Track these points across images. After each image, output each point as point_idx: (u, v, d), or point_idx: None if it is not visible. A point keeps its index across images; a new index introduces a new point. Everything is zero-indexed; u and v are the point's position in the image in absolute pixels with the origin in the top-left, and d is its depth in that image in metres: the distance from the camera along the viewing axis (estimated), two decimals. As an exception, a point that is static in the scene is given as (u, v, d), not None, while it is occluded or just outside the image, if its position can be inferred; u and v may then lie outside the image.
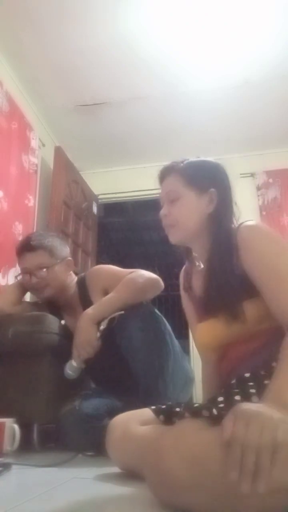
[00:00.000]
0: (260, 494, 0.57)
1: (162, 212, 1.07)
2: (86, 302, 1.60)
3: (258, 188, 3.44)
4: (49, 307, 1.76)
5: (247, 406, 0.64)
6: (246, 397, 0.77)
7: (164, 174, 1.10)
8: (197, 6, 2.26)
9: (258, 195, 3.42)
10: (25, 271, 1.62)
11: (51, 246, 1.62)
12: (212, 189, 1.03)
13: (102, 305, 1.47)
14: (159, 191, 1.12)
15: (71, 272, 1.71)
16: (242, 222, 0.98)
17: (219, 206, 1.02)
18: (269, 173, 3.46)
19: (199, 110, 3.05)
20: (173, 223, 1.05)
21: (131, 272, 1.54)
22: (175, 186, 1.05)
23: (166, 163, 1.12)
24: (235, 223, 1.03)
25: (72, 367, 1.46)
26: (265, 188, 3.43)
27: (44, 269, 1.58)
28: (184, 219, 1.04)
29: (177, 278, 1.21)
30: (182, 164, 1.08)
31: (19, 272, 1.68)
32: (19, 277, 1.68)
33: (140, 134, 3.35)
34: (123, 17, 2.32)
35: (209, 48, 2.53)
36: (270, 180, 3.44)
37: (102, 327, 1.43)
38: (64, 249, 1.70)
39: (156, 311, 1.48)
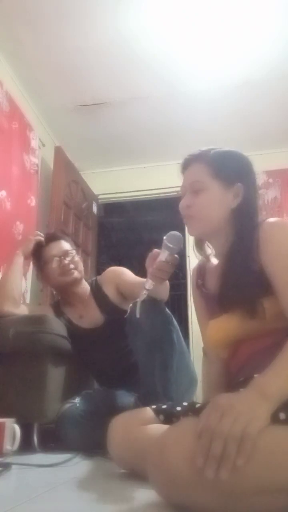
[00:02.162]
0: (260, 493, 0.57)
1: (184, 202, 1.02)
2: (99, 293, 1.73)
3: (258, 188, 3.44)
4: (54, 308, 1.80)
5: (225, 398, 0.68)
6: None
7: (189, 162, 1.05)
8: (197, 6, 2.25)
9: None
10: (53, 258, 1.72)
11: (69, 240, 1.86)
12: (239, 184, 0.99)
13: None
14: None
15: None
16: (265, 219, 0.96)
17: (244, 201, 0.99)
18: (269, 173, 3.45)
19: (199, 110, 3.05)
20: (196, 214, 1.01)
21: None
22: (201, 177, 1.00)
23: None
24: (259, 220, 0.99)
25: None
26: (265, 188, 3.43)
27: (69, 255, 1.73)
28: (208, 212, 1.00)
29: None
30: (210, 154, 1.02)
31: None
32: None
33: (140, 134, 3.35)
34: (123, 17, 2.32)
35: (210, 48, 2.53)
36: (270, 180, 3.44)
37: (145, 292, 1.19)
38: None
39: (167, 310, 1.47)
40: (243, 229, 0.97)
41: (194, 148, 1.11)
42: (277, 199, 3.39)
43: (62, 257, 1.72)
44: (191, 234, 1.06)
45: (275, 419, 0.67)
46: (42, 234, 1.84)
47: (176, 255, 1.10)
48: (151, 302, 1.38)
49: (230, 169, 1.01)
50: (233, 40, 2.47)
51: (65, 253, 1.74)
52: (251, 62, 2.64)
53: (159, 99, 2.95)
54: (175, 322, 1.49)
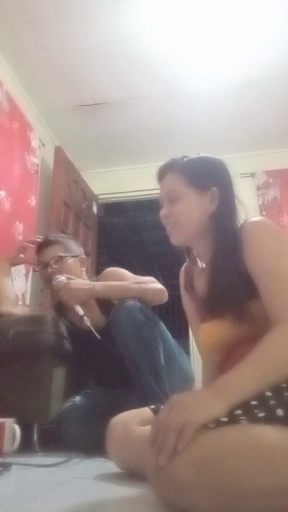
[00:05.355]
0: (260, 496, 0.57)
1: (163, 212, 1.04)
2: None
3: (258, 188, 3.44)
4: (55, 309, 1.80)
5: (179, 395, 0.73)
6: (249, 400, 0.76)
7: (164, 172, 1.06)
8: (197, 6, 2.25)
9: (258, 195, 3.41)
10: (42, 264, 1.73)
11: (66, 243, 1.79)
12: (214, 188, 1.00)
13: (109, 287, 1.59)
14: (158, 190, 1.09)
15: (84, 270, 1.82)
16: (247, 219, 0.95)
17: (221, 205, 0.99)
18: (269, 173, 3.46)
19: (199, 110, 3.05)
20: (174, 223, 1.02)
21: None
22: (176, 186, 1.02)
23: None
24: (240, 221, 0.99)
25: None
26: (265, 188, 3.43)
27: (59, 261, 1.70)
28: (186, 219, 1.01)
29: (177, 278, 1.20)
30: (182, 162, 1.04)
31: (36, 268, 1.81)
32: (37, 272, 1.83)
33: (140, 134, 3.35)
34: (123, 17, 2.32)
35: (210, 48, 2.53)
36: (270, 180, 3.44)
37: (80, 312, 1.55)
38: (79, 248, 1.85)
39: (147, 309, 1.51)
40: (224, 232, 0.97)
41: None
42: (277, 199, 3.39)
43: (49, 265, 1.69)
44: (173, 243, 1.06)
45: (273, 418, 0.68)
46: (38, 238, 1.82)
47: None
48: (128, 304, 1.47)
49: (203, 174, 1.02)
50: (233, 40, 2.47)
51: (52, 259, 1.70)
52: (251, 62, 2.64)
53: (159, 99, 2.95)
54: (157, 319, 1.55)
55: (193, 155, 1.06)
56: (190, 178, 1.01)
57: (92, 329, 1.50)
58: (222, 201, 1.00)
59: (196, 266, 1.11)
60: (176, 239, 1.04)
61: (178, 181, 1.02)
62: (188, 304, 1.14)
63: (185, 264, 1.17)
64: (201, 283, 1.05)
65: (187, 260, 1.15)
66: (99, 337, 1.49)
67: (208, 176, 1.02)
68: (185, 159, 1.04)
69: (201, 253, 1.07)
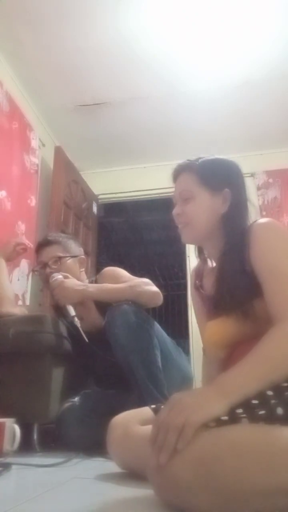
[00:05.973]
0: (260, 495, 0.57)
1: (175, 211, 1.07)
2: None
3: (258, 188, 3.44)
4: (55, 309, 1.81)
5: (179, 394, 0.73)
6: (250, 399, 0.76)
7: (178, 172, 1.10)
8: (197, 6, 2.25)
9: (258, 195, 3.41)
10: (41, 264, 1.74)
11: (65, 243, 1.79)
12: (226, 189, 1.03)
13: (102, 289, 1.59)
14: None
15: (83, 270, 1.82)
16: (256, 220, 0.98)
17: (232, 206, 1.02)
18: (269, 173, 3.45)
19: (199, 110, 3.05)
20: (186, 222, 1.05)
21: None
22: (189, 186, 1.05)
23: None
24: (249, 222, 1.02)
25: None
26: (265, 188, 3.43)
27: (58, 261, 1.71)
28: (198, 219, 1.04)
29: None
30: (196, 163, 1.07)
31: (36, 267, 1.83)
32: (36, 272, 1.84)
33: (140, 134, 3.35)
34: (123, 17, 2.32)
35: (210, 48, 2.53)
36: (270, 180, 3.44)
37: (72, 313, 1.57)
38: (78, 248, 1.85)
39: (141, 311, 1.52)
40: (233, 233, 1.00)
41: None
42: (277, 199, 3.39)
43: (47, 265, 1.71)
44: (184, 242, 1.10)
45: (273, 417, 0.68)
46: (25, 241, 1.91)
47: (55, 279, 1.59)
48: (121, 306, 1.48)
49: (216, 175, 1.05)
50: (233, 40, 2.47)
51: (51, 259, 1.71)
52: (251, 62, 2.64)
53: (159, 99, 2.95)
54: (152, 321, 1.55)
55: (208, 156, 1.09)
56: (203, 179, 1.04)
57: (81, 331, 1.52)
58: (233, 202, 1.03)
59: (206, 265, 1.14)
60: (186, 238, 1.08)
61: (191, 181, 1.05)
62: (197, 303, 1.17)
63: (196, 264, 1.20)
64: (210, 282, 1.07)
65: (199, 260, 1.18)
66: (87, 340, 1.51)
67: (221, 177, 1.05)
68: (199, 160, 1.08)
69: (211, 252, 1.10)
